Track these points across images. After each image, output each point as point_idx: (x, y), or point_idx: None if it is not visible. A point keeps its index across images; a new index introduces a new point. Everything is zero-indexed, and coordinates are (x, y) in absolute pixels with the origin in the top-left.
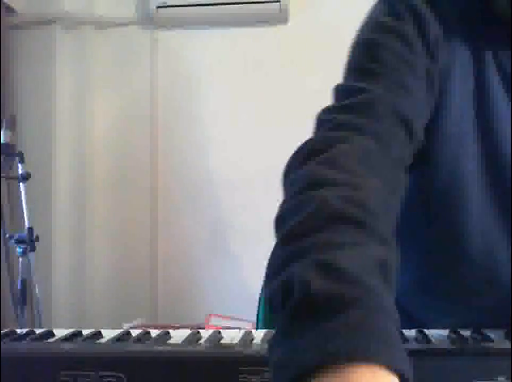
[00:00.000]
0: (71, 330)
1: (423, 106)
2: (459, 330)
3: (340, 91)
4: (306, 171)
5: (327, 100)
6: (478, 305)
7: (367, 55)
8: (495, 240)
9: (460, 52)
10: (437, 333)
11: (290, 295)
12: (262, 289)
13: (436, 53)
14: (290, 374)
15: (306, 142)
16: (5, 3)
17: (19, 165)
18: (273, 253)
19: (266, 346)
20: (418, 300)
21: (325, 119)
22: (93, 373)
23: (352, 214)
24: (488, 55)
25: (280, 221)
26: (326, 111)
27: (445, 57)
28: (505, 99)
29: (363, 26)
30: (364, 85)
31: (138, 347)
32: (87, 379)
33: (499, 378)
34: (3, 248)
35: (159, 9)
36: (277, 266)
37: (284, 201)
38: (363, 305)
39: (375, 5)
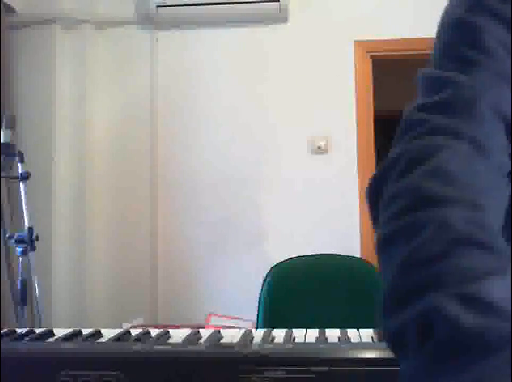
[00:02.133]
0: (71, 330)
1: None
2: None
3: (433, 81)
4: (410, 184)
5: (326, 99)
6: None
7: (464, 40)
8: None
9: None
10: None
11: (431, 332)
12: (262, 289)
13: None
14: None
15: (401, 152)
16: (5, 3)
17: (19, 165)
18: (393, 279)
19: (265, 345)
20: None
21: (417, 121)
22: (93, 372)
23: (479, 238)
24: None
25: (391, 243)
26: (418, 109)
27: None
28: None
29: (456, 2)
30: (461, 78)
31: (138, 346)
32: (87, 379)
33: None
34: (3, 248)
35: (159, 8)
36: (404, 296)
37: (388, 219)
38: None
39: None
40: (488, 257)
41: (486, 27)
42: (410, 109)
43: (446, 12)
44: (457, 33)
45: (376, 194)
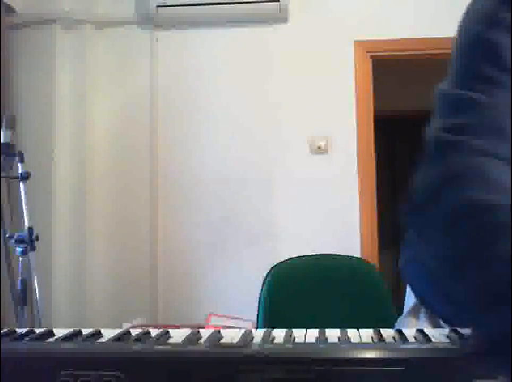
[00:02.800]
0: (71, 330)
1: None
2: (459, 329)
3: (456, 101)
4: (462, 197)
5: (326, 99)
6: None
7: (485, 58)
8: None
9: None
10: (437, 333)
11: None
12: (262, 289)
13: None
14: None
15: (441, 173)
16: (5, 3)
17: (19, 165)
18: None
19: (265, 345)
20: None
21: (450, 142)
22: (93, 373)
23: None
24: None
25: (464, 265)
26: (446, 130)
27: None
28: None
29: (474, 19)
30: (485, 99)
31: (138, 346)
32: (87, 379)
33: (499, 377)
34: (3, 248)
35: (158, 8)
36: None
37: (459, 238)
38: None
39: None
40: None
41: (507, 45)
42: (435, 129)
43: (465, 27)
44: (478, 51)
45: (418, 214)
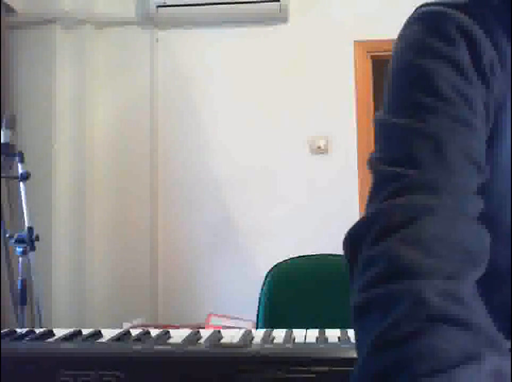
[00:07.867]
0: (71, 330)
1: (483, 141)
2: None
3: (393, 131)
4: (388, 250)
5: (326, 99)
6: None
7: (418, 85)
8: None
9: None
10: None
11: None
12: (262, 289)
13: (491, 80)
14: None
15: (380, 209)
16: (5, 3)
17: (19, 165)
18: (366, 359)
19: (265, 345)
20: None
21: (389, 174)
22: (93, 372)
23: (454, 314)
24: None
25: (366, 313)
26: (386, 163)
27: (500, 82)
28: None
29: (404, 47)
30: (423, 125)
31: (138, 346)
32: (87, 379)
33: None
34: (3, 248)
35: (158, 8)
36: (375, 379)
37: (363, 287)
38: None
39: (416, 23)
40: (463, 335)
41: (439, 72)
42: (376, 161)
43: (396, 56)
44: (410, 78)
45: (354, 252)
